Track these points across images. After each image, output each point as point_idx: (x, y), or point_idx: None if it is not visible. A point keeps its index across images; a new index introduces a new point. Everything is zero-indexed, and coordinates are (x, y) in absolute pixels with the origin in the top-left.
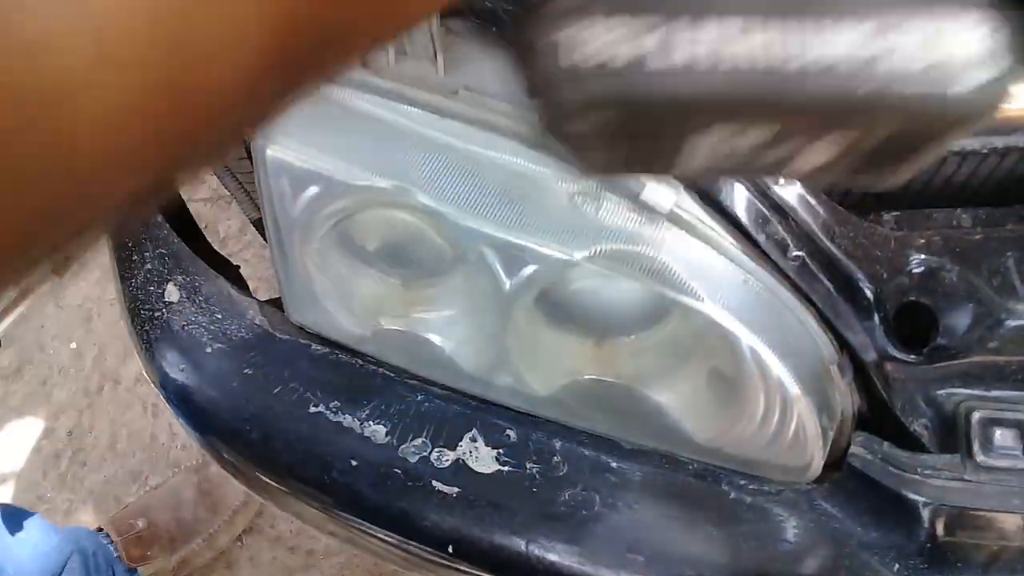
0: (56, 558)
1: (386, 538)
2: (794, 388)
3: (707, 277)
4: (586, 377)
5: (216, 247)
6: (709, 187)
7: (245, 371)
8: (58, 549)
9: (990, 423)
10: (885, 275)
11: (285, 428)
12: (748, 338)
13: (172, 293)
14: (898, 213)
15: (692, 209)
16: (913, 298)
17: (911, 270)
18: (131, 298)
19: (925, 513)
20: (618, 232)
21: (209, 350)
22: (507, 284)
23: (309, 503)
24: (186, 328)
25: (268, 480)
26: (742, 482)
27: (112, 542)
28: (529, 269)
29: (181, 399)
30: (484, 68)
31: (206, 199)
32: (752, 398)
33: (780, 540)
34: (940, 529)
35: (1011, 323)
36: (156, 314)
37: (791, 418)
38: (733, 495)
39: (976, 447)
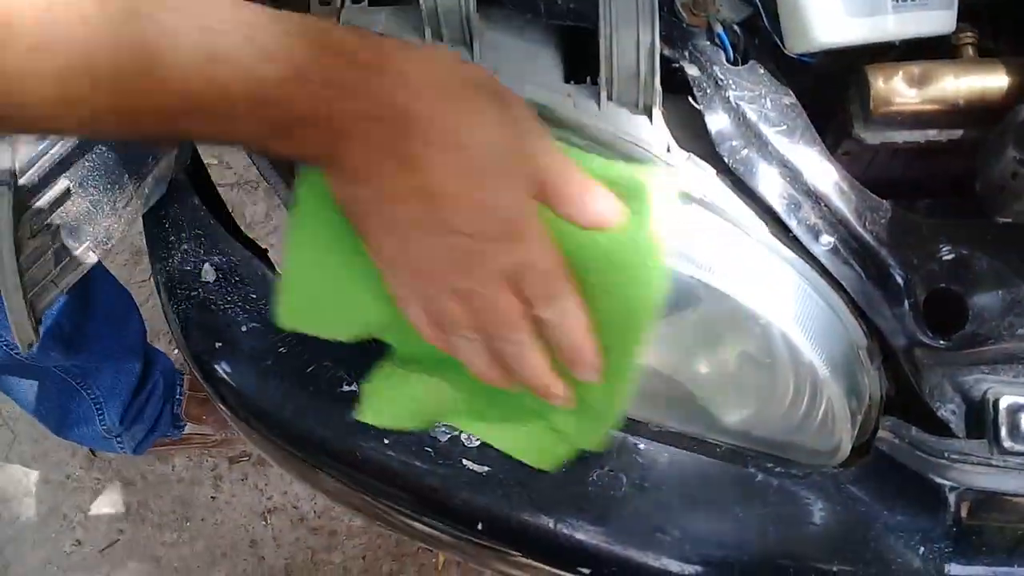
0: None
1: (415, 516)
2: (824, 372)
3: (739, 261)
4: None
5: None
6: (741, 172)
7: (279, 349)
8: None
9: (1018, 409)
10: (916, 261)
11: (318, 406)
12: (779, 322)
13: (208, 273)
14: (930, 200)
15: (724, 194)
16: (943, 285)
17: (942, 257)
18: (167, 278)
19: (951, 497)
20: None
21: (244, 329)
22: None
23: (340, 480)
24: (222, 307)
25: (300, 457)
26: (769, 464)
27: (182, 387)
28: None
29: (216, 377)
30: (518, 53)
31: (232, 184)
32: (782, 381)
33: (807, 523)
34: (966, 513)
35: None
36: (192, 294)
37: (820, 401)
38: (760, 477)
39: (1003, 432)
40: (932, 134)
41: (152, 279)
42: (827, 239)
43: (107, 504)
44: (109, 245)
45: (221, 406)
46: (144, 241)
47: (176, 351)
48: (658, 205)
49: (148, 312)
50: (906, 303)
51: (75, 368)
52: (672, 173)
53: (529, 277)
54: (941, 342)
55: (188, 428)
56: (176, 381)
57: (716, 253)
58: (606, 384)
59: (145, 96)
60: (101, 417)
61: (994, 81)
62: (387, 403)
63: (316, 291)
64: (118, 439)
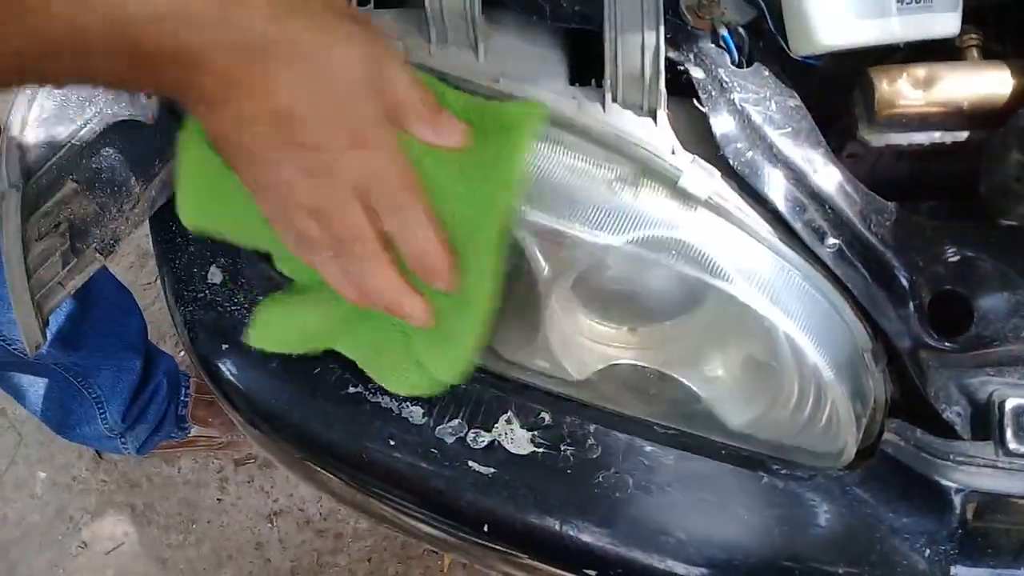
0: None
1: (422, 517)
2: (829, 374)
3: (744, 264)
4: (621, 363)
5: None
6: (746, 175)
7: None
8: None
9: (1023, 411)
10: (921, 264)
11: (324, 408)
12: (784, 324)
13: (215, 275)
14: (934, 203)
15: (729, 196)
16: (948, 287)
17: (947, 259)
18: (174, 280)
19: (957, 499)
20: (656, 218)
21: None
22: (546, 269)
23: (346, 482)
24: (229, 309)
25: (306, 458)
26: (775, 467)
27: (188, 389)
28: (568, 254)
29: (223, 379)
30: (523, 55)
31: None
32: (787, 384)
33: (812, 525)
34: (971, 515)
35: None
36: (199, 295)
37: (825, 404)
38: (766, 480)
39: (1009, 434)
40: (936, 136)
41: (158, 281)
42: (832, 241)
43: (113, 506)
44: (116, 247)
45: (228, 408)
46: (150, 243)
47: (182, 353)
48: (516, 134)
49: (153, 315)
50: (911, 305)
51: (76, 366)
52: (539, 108)
53: (376, 188)
54: (946, 344)
55: (194, 431)
56: (181, 383)
57: (722, 256)
58: (462, 309)
59: (3, 41)
60: (103, 416)
61: (998, 83)
62: (274, 327)
63: (211, 194)
64: (121, 439)
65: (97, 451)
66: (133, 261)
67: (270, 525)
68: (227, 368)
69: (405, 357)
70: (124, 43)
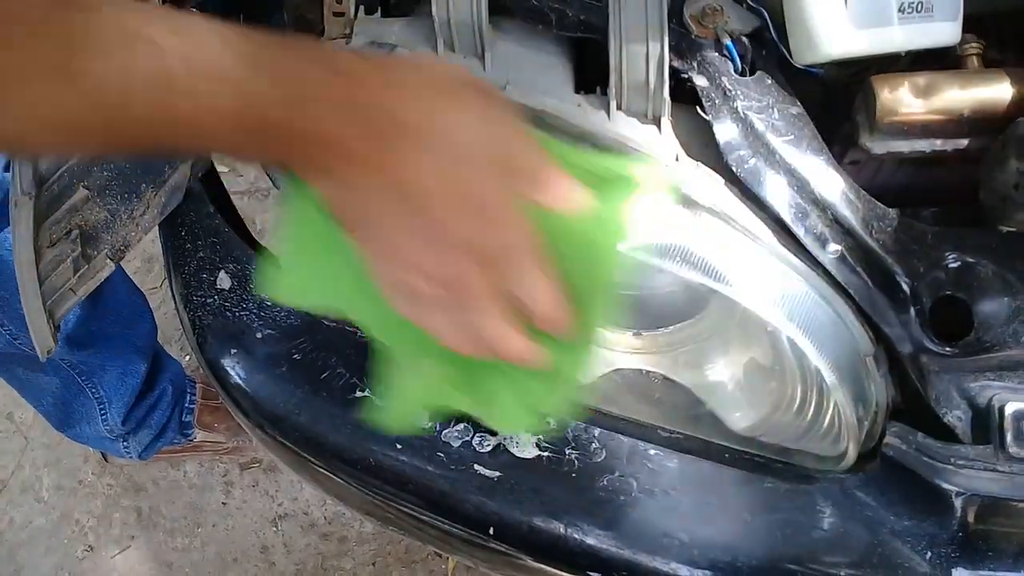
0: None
1: (427, 520)
2: (831, 378)
3: (747, 269)
4: (626, 367)
5: None
6: (749, 181)
7: (294, 356)
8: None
9: (1023, 415)
10: (922, 269)
11: (332, 412)
12: (787, 328)
13: (224, 280)
14: (935, 209)
15: (732, 203)
16: (949, 292)
17: (947, 265)
18: (183, 285)
19: (957, 502)
20: (660, 224)
21: (259, 336)
22: None
23: (353, 485)
24: (237, 314)
25: (314, 462)
26: (778, 470)
27: (194, 395)
28: None
29: (231, 383)
30: (529, 64)
31: (244, 192)
32: (790, 388)
33: (814, 528)
34: (972, 518)
35: None
36: (208, 300)
37: (827, 408)
38: (768, 483)
39: (1009, 438)
40: (937, 144)
41: (164, 286)
42: (834, 247)
43: (119, 510)
44: (126, 253)
45: (236, 412)
46: (156, 248)
47: (188, 358)
48: (634, 193)
49: (159, 319)
50: (912, 310)
51: (81, 364)
52: (657, 168)
53: (506, 258)
54: (947, 349)
55: (200, 435)
56: (186, 388)
57: (725, 261)
58: (572, 352)
59: (136, 123)
60: (104, 417)
61: (999, 92)
62: (400, 405)
63: (309, 270)
64: (124, 443)
65: (103, 455)
66: (139, 266)
67: (275, 529)
68: (235, 372)
69: (514, 395)
70: (248, 119)
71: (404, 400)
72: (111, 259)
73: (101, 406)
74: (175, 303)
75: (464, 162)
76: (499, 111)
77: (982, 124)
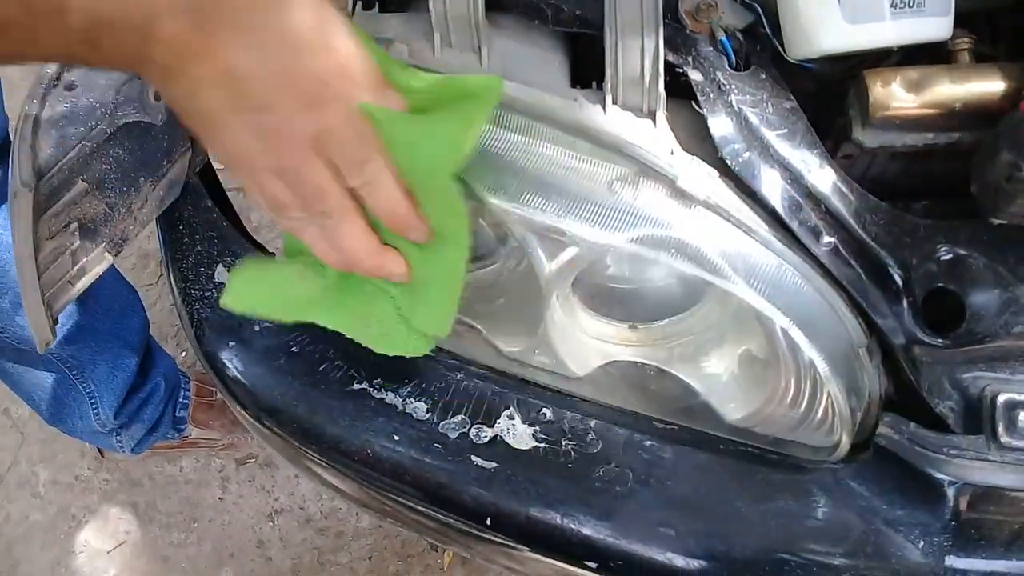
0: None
1: (425, 511)
2: (824, 369)
3: (741, 261)
4: (622, 359)
5: None
6: (744, 175)
7: (292, 349)
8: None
9: (1015, 405)
10: (914, 261)
11: (329, 404)
12: (781, 320)
13: (222, 274)
14: (927, 202)
15: (727, 196)
16: (941, 284)
17: (939, 257)
18: (181, 279)
19: (950, 492)
20: (656, 217)
21: (257, 328)
22: (547, 268)
23: (350, 477)
24: None
25: (311, 454)
26: (772, 460)
27: (188, 392)
28: (569, 253)
29: (229, 376)
30: (525, 58)
31: (238, 188)
32: (784, 379)
33: (808, 517)
34: (964, 507)
35: None
36: (207, 294)
37: (821, 399)
38: (763, 473)
39: (1001, 428)
40: (929, 138)
41: (160, 282)
42: (827, 240)
43: (115, 505)
44: (124, 247)
45: (233, 404)
46: (152, 245)
47: (184, 354)
48: (474, 100)
49: (155, 316)
50: (905, 302)
51: (71, 359)
52: (495, 79)
53: (335, 144)
54: (939, 340)
55: (195, 433)
56: (179, 384)
57: (720, 254)
58: (438, 257)
59: None
60: (96, 411)
61: (990, 85)
62: (250, 289)
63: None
64: (116, 437)
65: (100, 450)
66: (135, 263)
67: (271, 524)
68: (233, 365)
69: (393, 318)
70: (74, 16)
71: (266, 284)
72: (109, 252)
73: (92, 400)
74: (173, 296)
75: (287, 46)
76: (323, 3)
77: (974, 118)
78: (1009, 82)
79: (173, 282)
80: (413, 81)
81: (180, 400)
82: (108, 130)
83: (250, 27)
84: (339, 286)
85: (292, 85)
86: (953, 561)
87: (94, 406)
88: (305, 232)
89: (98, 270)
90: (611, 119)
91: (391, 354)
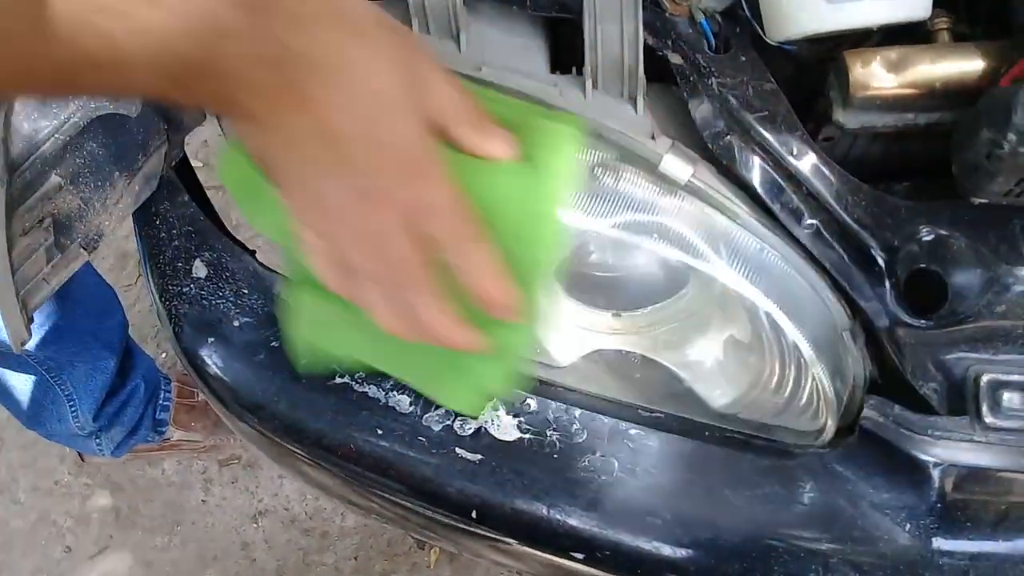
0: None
1: (410, 506)
2: (809, 352)
3: (724, 245)
4: (606, 348)
5: None
6: (725, 157)
7: (272, 343)
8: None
9: (998, 386)
10: (896, 243)
11: (311, 399)
12: (765, 304)
13: (200, 269)
14: (908, 183)
15: (709, 180)
16: (923, 265)
17: (921, 238)
18: (159, 275)
19: (936, 474)
20: (638, 202)
21: (236, 324)
22: None
23: (334, 473)
24: (213, 303)
25: (294, 450)
26: (758, 447)
27: (168, 393)
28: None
29: (209, 372)
30: (504, 45)
31: (218, 186)
32: (768, 363)
33: (795, 503)
34: (950, 489)
35: (1018, 288)
36: (184, 289)
37: (806, 382)
38: (749, 460)
39: (985, 409)
40: (909, 118)
41: (138, 283)
42: (809, 222)
43: (97, 509)
44: (100, 242)
45: (214, 402)
46: (130, 245)
47: (164, 356)
48: (562, 150)
49: (134, 317)
50: (887, 283)
51: (48, 361)
52: (581, 124)
53: (431, 217)
54: (923, 322)
55: (176, 435)
56: (160, 385)
57: (702, 238)
58: (514, 330)
59: (36, 57)
60: (74, 414)
61: (969, 65)
62: (322, 346)
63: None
64: (96, 440)
65: (80, 454)
66: (113, 263)
67: (255, 525)
68: (213, 361)
69: (453, 372)
70: (153, 55)
71: (334, 343)
72: (85, 248)
73: (71, 403)
74: (151, 293)
75: (385, 105)
76: (414, 49)
77: (953, 97)
78: (987, 61)
79: (151, 278)
80: (493, 105)
81: (160, 402)
82: (81, 123)
83: (341, 85)
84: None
85: (391, 151)
86: (940, 543)
87: (72, 408)
88: (370, 298)
89: (73, 267)
90: (591, 104)
91: (456, 409)
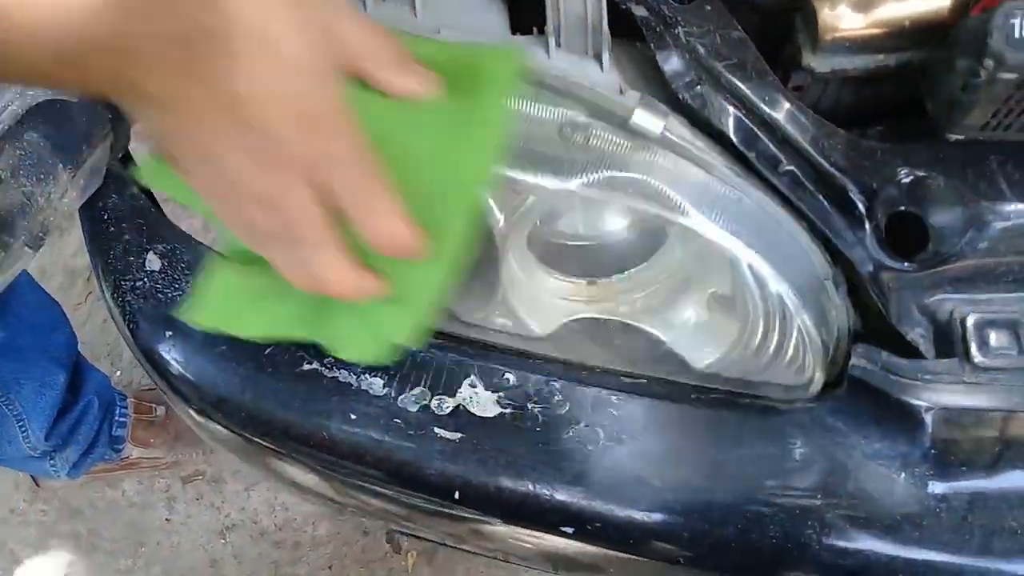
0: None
1: (389, 494)
2: (794, 302)
3: (702, 198)
4: (583, 316)
5: None
6: (697, 108)
7: None
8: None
9: (985, 325)
10: (875, 186)
11: (279, 388)
12: (747, 255)
13: (153, 262)
14: (881, 127)
15: (681, 132)
16: (903, 208)
17: (900, 180)
18: (110, 271)
19: (928, 418)
20: (610, 159)
21: None
22: (501, 220)
23: (307, 465)
24: (170, 295)
25: (264, 444)
26: (744, 405)
27: (125, 409)
28: (523, 202)
29: (169, 369)
30: (461, 7)
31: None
32: (752, 317)
33: (787, 459)
34: (943, 433)
35: (998, 225)
36: (138, 284)
37: (791, 334)
38: (736, 419)
39: (973, 349)
40: (880, 59)
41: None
42: (786, 168)
43: (56, 536)
44: (44, 240)
45: (175, 400)
46: (78, 262)
47: (119, 373)
48: (491, 87)
49: (85, 335)
50: (867, 227)
51: None
52: (515, 55)
53: (331, 170)
54: (906, 265)
55: (136, 453)
56: (114, 401)
57: (679, 191)
58: (424, 271)
59: None
60: (25, 434)
61: (938, 1)
62: (225, 304)
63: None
64: (50, 461)
65: (35, 479)
66: (61, 281)
67: (223, 541)
68: (172, 357)
69: (360, 324)
70: (55, 32)
71: (236, 307)
72: (29, 247)
73: (20, 423)
74: (101, 291)
75: (288, 67)
76: (323, 4)
77: (923, 36)
78: None
79: (101, 275)
80: (416, 48)
81: (116, 418)
82: (20, 111)
83: (246, 53)
84: (308, 300)
85: (292, 108)
86: (936, 487)
87: (23, 428)
88: (275, 257)
89: (19, 267)
90: (555, 64)
91: (356, 361)
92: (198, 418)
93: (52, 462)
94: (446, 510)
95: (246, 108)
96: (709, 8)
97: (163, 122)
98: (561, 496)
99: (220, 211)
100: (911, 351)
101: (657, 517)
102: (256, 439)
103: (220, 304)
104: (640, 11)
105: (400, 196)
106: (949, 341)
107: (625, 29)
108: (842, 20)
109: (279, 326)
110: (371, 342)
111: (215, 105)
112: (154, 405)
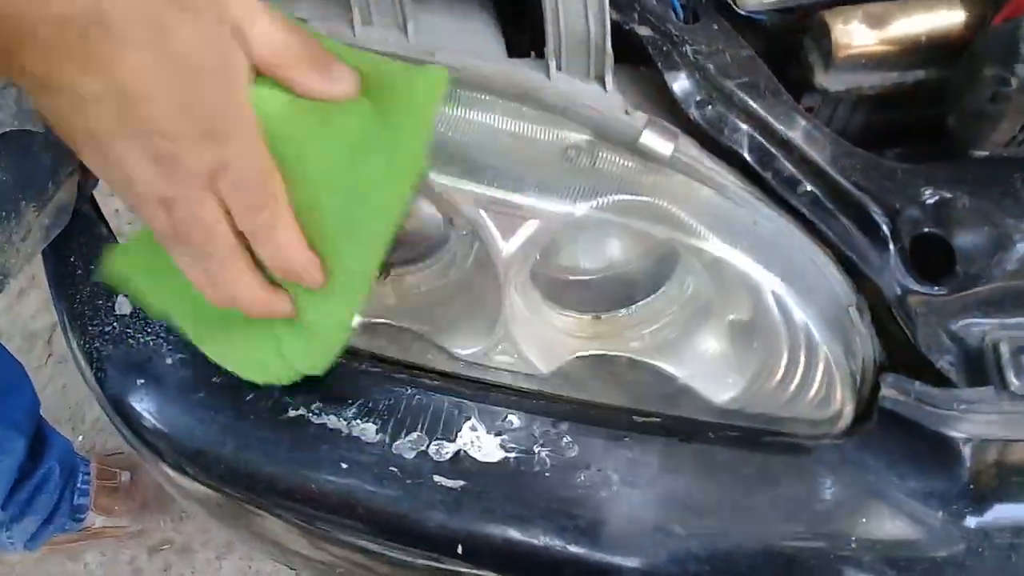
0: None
1: (384, 552)
2: (820, 332)
3: (718, 220)
4: (590, 353)
5: None
6: (710, 128)
7: (212, 379)
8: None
9: (1021, 351)
10: (898, 206)
11: (262, 437)
12: (769, 281)
13: (124, 305)
14: (898, 149)
15: (693, 153)
16: (927, 229)
17: (924, 201)
18: (76, 316)
19: (966, 451)
20: (619, 182)
21: (169, 361)
22: (504, 248)
23: (292, 521)
24: (142, 340)
25: (245, 501)
26: (769, 444)
27: (87, 476)
28: (527, 228)
29: (140, 421)
30: (455, 32)
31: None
32: (775, 348)
33: (816, 501)
34: (982, 466)
35: None
36: (107, 329)
37: (817, 365)
38: (760, 459)
39: (1010, 375)
40: (894, 76)
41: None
42: (806, 188)
43: None
44: (6, 284)
45: (147, 455)
46: (38, 324)
47: (81, 438)
48: (414, 95)
49: (47, 398)
50: (892, 250)
51: None
52: (440, 72)
53: (231, 183)
54: (935, 289)
55: (99, 521)
56: (77, 467)
57: (694, 214)
58: (332, 299)
59: None
60: None
61: (953, 16)
62: (136, 268)
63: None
64: (6, 532)
65: None
66: (20, 344)
67: None
68: (144, 407)
69: (262, 344)
70: None
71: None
72: None
73: None
74: (66, 338)
75: (191, 66)
76: (234, 4)
77: (939, 53)
78: (971, 12)
79: (67, 321)
80: (345, 57)
81: (78, 485)
82: None
83: (145, 46)
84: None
85: (194, 113)
86: (977, 524)
87: None
88: (184, 264)
89: None
90: (557, 87)
91: (254, 380)
92: (173, 475)
93: (8, 533)
94: (447, 566)
95: (135, 103)
96: (716, 28)
97: (58, 111)
98: (574, 548)
99: (128, 204)
100: (939, 380)
101: (680, 569)
102: (237, 495)
103: (141, 260)
104: (644, 31)
105: (304, 216)
106: (981, 368)
107: (624, 55)
108: (856, 36)
109: (182, 316)
110: (273, 363)
111: (110, 97)
112: (118, 471)
